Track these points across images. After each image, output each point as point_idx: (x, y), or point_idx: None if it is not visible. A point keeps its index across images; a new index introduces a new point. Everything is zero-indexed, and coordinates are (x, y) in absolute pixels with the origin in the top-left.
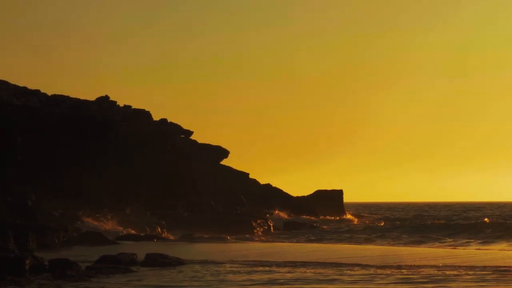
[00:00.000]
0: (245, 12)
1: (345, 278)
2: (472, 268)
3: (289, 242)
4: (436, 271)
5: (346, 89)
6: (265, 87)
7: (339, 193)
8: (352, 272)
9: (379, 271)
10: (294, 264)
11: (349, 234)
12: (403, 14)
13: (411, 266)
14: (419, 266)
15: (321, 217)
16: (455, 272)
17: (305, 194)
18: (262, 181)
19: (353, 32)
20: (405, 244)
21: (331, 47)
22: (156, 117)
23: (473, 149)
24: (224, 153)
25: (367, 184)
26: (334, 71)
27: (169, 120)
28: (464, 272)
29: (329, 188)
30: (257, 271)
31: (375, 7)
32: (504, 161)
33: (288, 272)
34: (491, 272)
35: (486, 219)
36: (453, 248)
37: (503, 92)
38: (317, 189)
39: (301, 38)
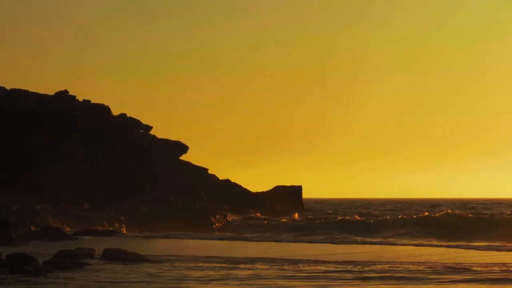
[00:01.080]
0: (206, 6)
1: (302, 274)
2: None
3: (247, 239)
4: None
5: (306, 87)
6: (225, 82)
7: (298, 189)
8: (309, 268)
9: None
10: (253, 260)
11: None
12: (363, 11)
13: (365, 262)
14: (373, 263)
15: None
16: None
17: (265, 190)
18: (221, 176)
19: (313, 30)
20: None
21: (291, 44)
22: (115, 112)
23: (431, 145)
24: (183, 148)
25: (327, 180)
26: (295, 68)
27: (128, 115)
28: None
29: (288, 184)
30: (215, 267)
31: (336, 5)
32: (463, 157)
33: (247, 269)
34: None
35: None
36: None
37: (459, 87)
38: (276, 185)
39: (262, 35)
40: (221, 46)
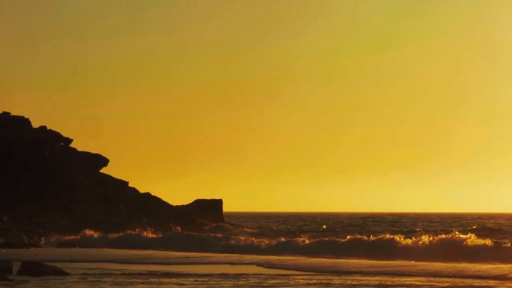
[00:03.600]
0: (124, 19)
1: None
2: None
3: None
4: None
5: (226, 100)
6: (146, 95)
7: (219, 202)
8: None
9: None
10: (176, 275)
11: None
12: (279, 27)
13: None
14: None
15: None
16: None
17: (185, 203)
18: (142, 189)
19: (232, 44)
20: None
21: (212, 58)
22: (36, 124)
23: (352, 157)
24: (104, 161)
25: (249, 193)
26: (215, 82)
27: (48, 128)
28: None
29: (209, 197)
30: (138, 282)
31: (254, 20)
32: (385, 170)
33: (173, 283)
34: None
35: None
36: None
37: (373, 98)
38: (197, 198)
39: (182, 48)
40: (141, 58)
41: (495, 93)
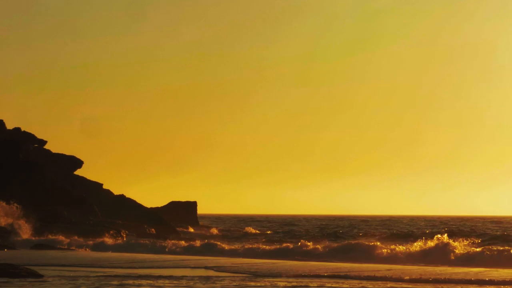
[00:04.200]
0: (100, 20)
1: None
2: None
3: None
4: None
5: (201, 102)
6: (120, 96)
7: (193, 204)
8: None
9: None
10: (148, 277)
11: None
12: (257, 29)
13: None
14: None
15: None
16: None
17: (160, 205)
18: (116, 191)
19: (207, 46)
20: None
21: (187, 60)
22: (10, 126)
23: (326, 160)
24: (78, 163)
25: (224, 195)
26: (189, 84)
27: (23, 129)
28: None
29: (184, 199)
30: (112, 284)
31: (230, 23)
32: (359, 172)
33: (148, 285)
34: None
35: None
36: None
37: (348, 101)
38: (171, 200)
39: (157, 50)
40: (115, 60)
41: (465, 96)
